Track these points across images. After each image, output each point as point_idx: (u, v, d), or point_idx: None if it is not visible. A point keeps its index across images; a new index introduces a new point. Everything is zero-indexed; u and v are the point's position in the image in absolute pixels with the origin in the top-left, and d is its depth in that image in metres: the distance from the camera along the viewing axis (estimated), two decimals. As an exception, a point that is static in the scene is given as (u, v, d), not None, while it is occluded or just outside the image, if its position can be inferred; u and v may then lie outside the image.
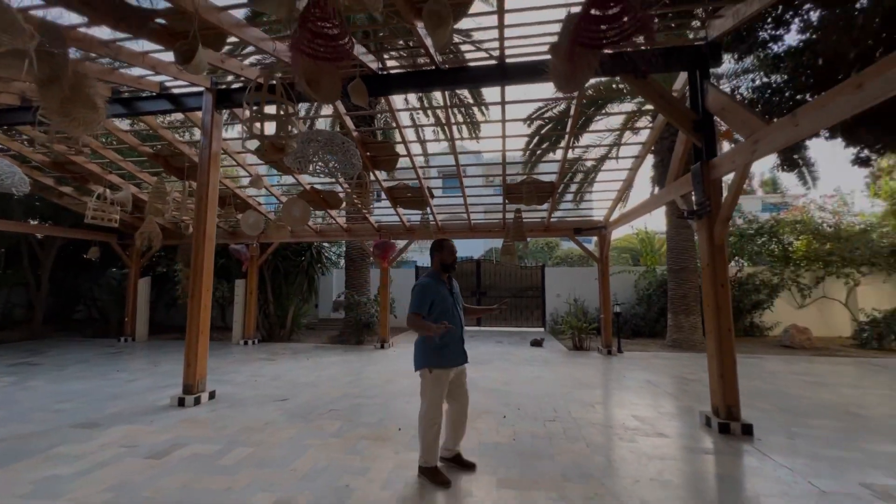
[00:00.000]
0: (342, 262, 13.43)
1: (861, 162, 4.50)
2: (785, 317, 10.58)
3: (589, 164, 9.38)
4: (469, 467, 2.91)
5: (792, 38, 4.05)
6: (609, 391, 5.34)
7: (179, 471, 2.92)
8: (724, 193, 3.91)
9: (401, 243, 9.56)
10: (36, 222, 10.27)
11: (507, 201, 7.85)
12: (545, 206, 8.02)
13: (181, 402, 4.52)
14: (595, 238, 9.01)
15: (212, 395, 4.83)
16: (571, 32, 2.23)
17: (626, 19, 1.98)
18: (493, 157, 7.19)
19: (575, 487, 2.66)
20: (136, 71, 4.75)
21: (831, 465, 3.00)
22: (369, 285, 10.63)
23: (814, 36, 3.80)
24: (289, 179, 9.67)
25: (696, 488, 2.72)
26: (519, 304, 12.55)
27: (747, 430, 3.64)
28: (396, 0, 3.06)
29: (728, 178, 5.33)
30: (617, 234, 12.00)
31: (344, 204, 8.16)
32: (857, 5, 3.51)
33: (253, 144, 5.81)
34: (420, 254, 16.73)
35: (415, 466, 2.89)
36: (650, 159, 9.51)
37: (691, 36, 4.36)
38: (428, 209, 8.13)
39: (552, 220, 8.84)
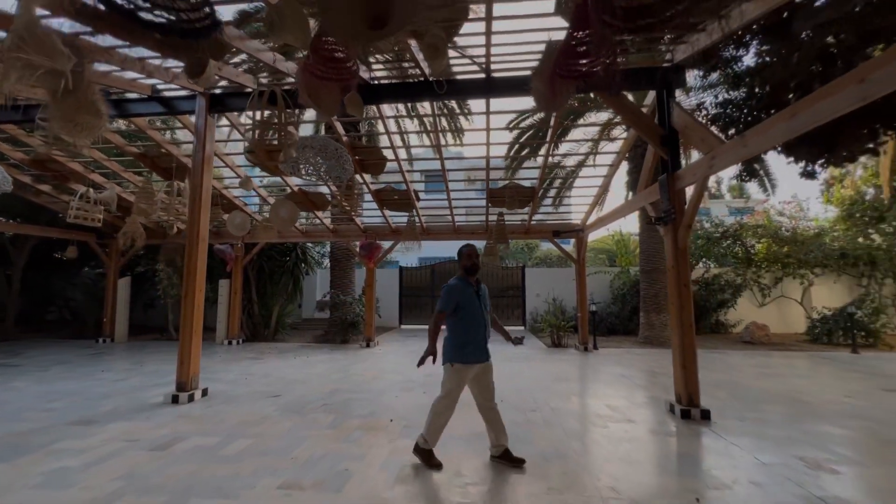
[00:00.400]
0: (325, 262, 13.52)
1: (807, 175, 5.00)
2: (747, 315, 11.31)
3: (567, 169, 9.82)
4: (517, 463, 2.96)
5: (750, 59, 4.50)
6: (585, 384, 5.73)
7: (184, 461, 3.09)
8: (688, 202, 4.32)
9: (387, 244, 9.76)
10: (9, 221, 9.97)
11: (490, 205, 8.18)
12: (526, 209, 8.39)
13: (175, 400, 4.63)
14: (573, 240, 9.45)
15: (205, 393, 4.95)
16: (552, 63, 2.54)
17: (599, 56, 2.29)
18: (478, 163, 7.50)
19: (552, 466, 2.98)
20: (129, 74, 4.83)
21: (774, 443, 3.43)
22: (354, 285, 10.79)
23: (764, 61, 4.26)
24: (276, 181, 9.73)
25: (659, 464, 3.08)
26: (500, 303, 12.92)
27: (705, 416, 4.05)
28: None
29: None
30: (594, 236, 12.55)
31: (330, 206, 8.32)
32: (802, 37, 3.97)
33: (237, 147, 5.95)
34: (403, 254, 16.92)
35: (409, 452, 3.15)
36: (625, 166, 10.03)
37: (663, 57, 4.77)
38: (413, 211, 8.38)
39: (532, 222, 9.23)
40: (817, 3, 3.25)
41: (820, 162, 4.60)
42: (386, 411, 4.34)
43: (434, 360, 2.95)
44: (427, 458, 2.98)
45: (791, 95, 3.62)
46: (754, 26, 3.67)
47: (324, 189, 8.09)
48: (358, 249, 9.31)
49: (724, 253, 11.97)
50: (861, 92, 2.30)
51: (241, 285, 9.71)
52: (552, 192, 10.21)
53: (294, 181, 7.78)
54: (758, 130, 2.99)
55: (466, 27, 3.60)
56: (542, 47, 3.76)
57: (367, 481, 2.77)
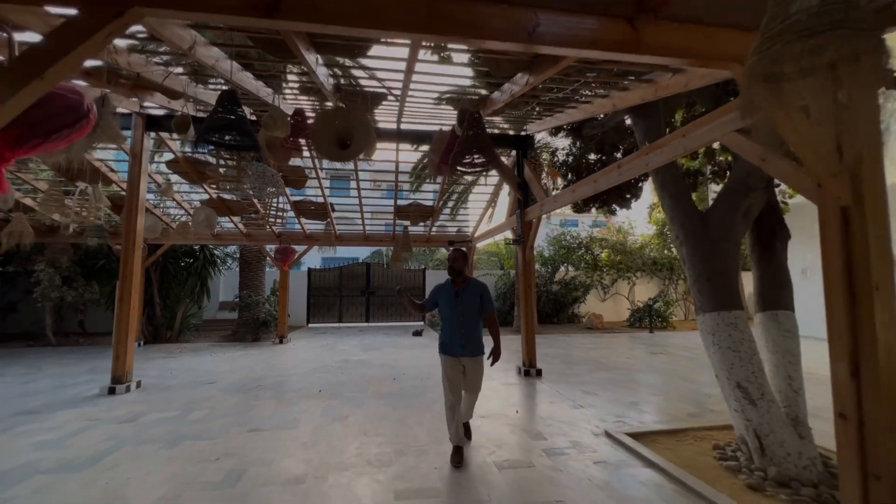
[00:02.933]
0: (230, 263, 13.51)
1: (610, 212, 7.56)
2: (594, 308, 14.66)
3: (462, 186, 11.77)
4: (467, 435, 3.43)
5: (565, 140, 6.74)
6: (467, 361, 7.57)
7: (157, 426, 3.97)
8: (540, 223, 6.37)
9: (300, 248, 10.56)
10: None
11: (396, 218, 9.66)
12: (427, 222, 10.06)
13: (112, 391, 5.16)
14: (464, 249, 11.42)
15: (139, 385, 5.51)
16: (441, 152, 4.13)
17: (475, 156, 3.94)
18: (387, 166, 8.84)
19: (437, 409, 4.59)
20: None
21: (572, 384, 5.56)
22: (264, 286, 11.29)
23: (575, 143, 6.54)
24: (185, 186, 9.80)
25: (506, 400, 4.91)
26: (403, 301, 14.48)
27: (539, 374, 6.11)
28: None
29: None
30: (486, 243, 14.82)
31: (251, 213, 8.93)
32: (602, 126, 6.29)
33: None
34: (309, 255, 17.35)
35: (338, 408, 4.47)
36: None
37: (521, 127, 6.78)
38: (328, 220, 9.43)
39: (432, 232, 10.95)
40: (594, 121, 5.44)
41: (615, 204, 7.11)
42: (314, 386, 5.53)
43: (401, 294, 3.55)
44: (452, 451, 3.22)
45: (595, 156, 5.93)
46: (566, 126, 5.80)
47: (248, 201, 8.67)
48: (273, 253, 9.97)
49: (579, 259, 15.27)
50: (685, 143, 3.54)
51: (143, 286, 9.58)
52: (450, 205, 12.10)
53: (213, 190, 8.25)
54: (567, 190, 5.03)
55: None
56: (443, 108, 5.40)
57: (313, 423, 4.05)
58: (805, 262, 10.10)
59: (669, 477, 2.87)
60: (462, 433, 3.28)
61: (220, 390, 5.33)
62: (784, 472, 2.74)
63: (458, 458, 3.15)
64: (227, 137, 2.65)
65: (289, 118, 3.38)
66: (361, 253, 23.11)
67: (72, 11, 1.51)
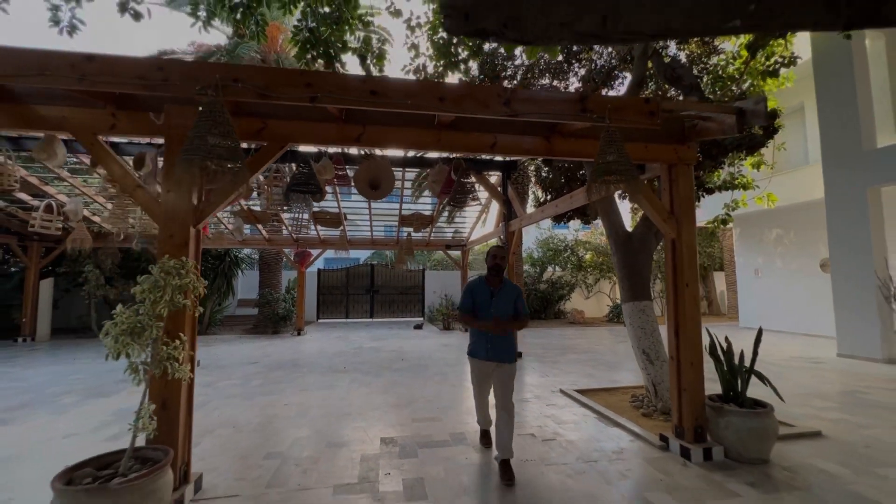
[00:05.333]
0: (247, 264, 14.86)
1: (584, 223, 8.99)
2: (578, 304, 16.11)
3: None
4: (505, 478, 2.80)
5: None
6: (461, 348, 8.97)
7: (231, 388, 5.34)
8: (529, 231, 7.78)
9: (315, 251, 11.94)
10: None
11: (400, 226, 11.06)
12: (426, 229, 11.46)
13: (180, 368, 6.53)
14: (460, 252, 12.84)
15: (199, 363, 6.88)
16: (441, 183, 5.53)
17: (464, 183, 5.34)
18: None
19: (439, 379, 6.00)
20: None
21: (547, 364, 6.98)
22: (281, 285, 12.66)
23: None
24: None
25: (488, 373, 6.34)
26: (405, 299, 15.88)
27: (520, 355, 7.52)
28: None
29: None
30: (481, 244, 16.22)
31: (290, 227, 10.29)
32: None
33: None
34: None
35: (362, 378, 5.87)
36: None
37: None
38: (342, 227, 10.80)
39: (431, 237, 12.36)
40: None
41: (565, 220, 8.54)
42: (338, 364, 6.93)
43: (497, 326, 2.92)
44: (480, 434, 3.52)
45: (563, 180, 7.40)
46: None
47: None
48: (293, 257, 11.35)
49: (565, 261, 16.73)
50: (573, 201, 5.72)
51: (178, 286, 10.92)
52: (445, 214, 13.52)
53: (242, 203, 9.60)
54: (540, 209, 6.45)
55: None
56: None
57: (345, 387, 5.45)
58: (757, 263, 11.60)
59: (595, 412, 4.29)
60: (489, 415, 3.34)
61: (265, 368, 6.72)
62: (666, 406, 4.16)
63: (486, 439, 3.42)
64: (300, 189, 4.03)
65: (334, 167, 4.78)
66: (363, 254, 24.50)
67: (263, 143, 2.87)
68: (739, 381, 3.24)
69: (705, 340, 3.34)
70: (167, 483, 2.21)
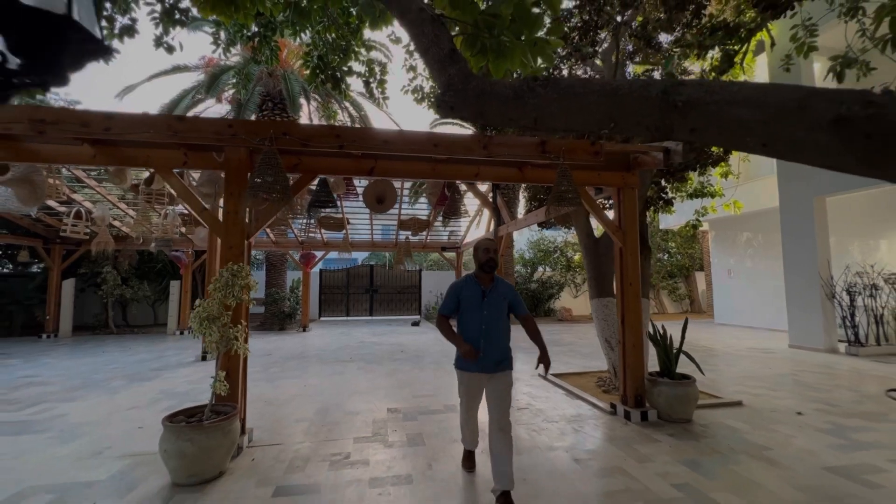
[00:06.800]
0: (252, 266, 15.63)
1: (563, 224, 9.85)
2: (567, 303, 17.00)
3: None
4: None
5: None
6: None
7: (253, 374, 6.15)
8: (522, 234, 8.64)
9: (318, 252, 12.74)
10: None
11: (399, 229, 11.89)
12: (423, 232, 12.29)
13: (204, 358, 7.32)
14: (455, 253, 13.69)
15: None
16: (437, 195, 6.36)
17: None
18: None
19: (433, 367, 6.83)
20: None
21: (532, 354, 7.84)
22: (285, 284, 13.44)
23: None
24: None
25: (478, 362, 7.20)
26: (402, 298, 16.71)
27: (507, 347, 8.38)
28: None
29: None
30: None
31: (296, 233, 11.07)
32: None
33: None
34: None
35: (367, 366, 6.70)
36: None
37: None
38: (345, 231, 11.62)
39: (428, 240, 13.19)
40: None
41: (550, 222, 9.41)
42: (344, 356, 7.75)
43: (473, 352, 2.58)
44: (463, 456, 3.02)
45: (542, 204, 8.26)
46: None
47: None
48: (298, 258, 12.15)
49: (555, 262, 17.62)
50: (537, 216, 6.58)
51: (191, 285, 11.70)
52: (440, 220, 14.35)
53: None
54: (521, 219, 7.30)
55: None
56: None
57: (353, 373, 6.28)
58: (729, 264, 12.54)
59: (565, 390, 5.15)
60: (477, 435, 2.92)
61: (279, 359, 7.52)
62: (623, 384, 5.03)
63: (470, 462, 2.98)
64: (319, 204, 4.86)
65: (345, 183, 5.60)
66: (361, 255, 25.29)
67: (296, 176, 3.71)
68: (670, 361, 4.11)
69: (682, 334, 4.21)
70: (236, 428, 3.03)
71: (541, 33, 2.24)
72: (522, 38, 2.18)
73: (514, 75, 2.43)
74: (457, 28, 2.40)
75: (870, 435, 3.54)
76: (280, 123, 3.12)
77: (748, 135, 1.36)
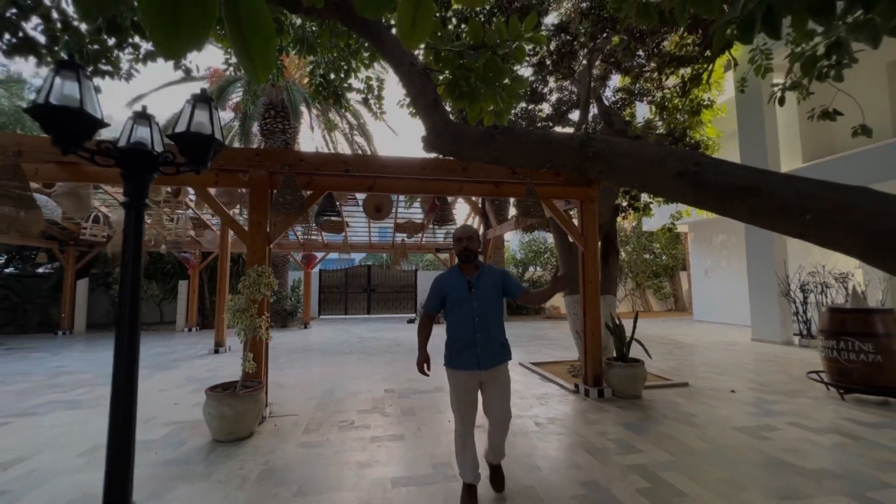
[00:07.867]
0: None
1: (528, 231, 10.60)
2: (557, 301, 17.75)
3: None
4: (495, 485, 2.56)
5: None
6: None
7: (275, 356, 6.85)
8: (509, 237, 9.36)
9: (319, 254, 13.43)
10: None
11: (395, 231, 12.61)
12: (419, 234, 13.02)
13: (217, 351, 8.01)
14: (448, 254, 14.41)
15: (230, 348, 8.36)
16: (429, 202, 7.08)
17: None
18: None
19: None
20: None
21: (516, 346, 8.54)
22: (287, 284, 14.13)
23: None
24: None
25: (467, 353, 7.94)
26: (399, 297, 17.43)
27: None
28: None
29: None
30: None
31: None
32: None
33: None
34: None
35: (367, 358, 7.41)
36: (482, 205, 15.40)
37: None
38: (344, 233, 12.32)
39: (423, 241, 13.91)
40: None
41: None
42: (346, 349, 8.47)
43: (427, 368, 2.61)
44: (462, 492, 2.49)
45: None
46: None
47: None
48: (300, 259, 12.84)
49: (545, 262, 18.39)
50: (511, 224, 7.32)
51: (198, 285, 12.37)
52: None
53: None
54: (503, 224, 8.04)
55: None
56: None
57: (356, 363, 6.99)
58: (706, 264, 13.34)
59: (539, 375, 5.89)
60: (477, 465, 2.50)
61: (285, 351, 8.23)
62: (590, 369, 5.78)
63: (470, 498, 2.44)
64: (325, 213, 5.57)
65: (346, 195, 6.31)
66: (358, 256, 25.99)
67: (309, 193, 4.43)
68: (624, 347, 4.86)
69: (634, 325, 4.95)
70: (262, 399, 3.75)
71: (507, 81, 2.98)
72: (496, 84, 2.92)
73: (489, 111, 3.17)
74: (441, 77, 3.14)
75: (782, 406, 4.30)
76: (297, 153, 3.84)
77: (633, 179, 2.06)
